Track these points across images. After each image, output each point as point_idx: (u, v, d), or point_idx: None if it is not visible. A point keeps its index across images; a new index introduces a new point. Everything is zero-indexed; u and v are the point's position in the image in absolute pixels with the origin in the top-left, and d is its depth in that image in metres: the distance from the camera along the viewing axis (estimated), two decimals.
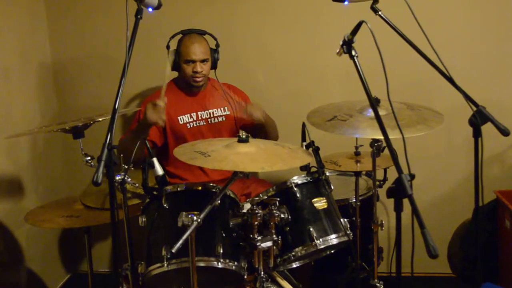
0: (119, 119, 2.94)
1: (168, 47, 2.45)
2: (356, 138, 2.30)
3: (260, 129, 2.46)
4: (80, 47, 2.91)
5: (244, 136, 1.77)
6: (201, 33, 2.48)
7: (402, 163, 1.35)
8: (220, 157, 1.69)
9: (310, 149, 1.98)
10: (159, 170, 1.86)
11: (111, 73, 2.86)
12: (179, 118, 2.49)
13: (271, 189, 1.97)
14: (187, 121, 2.50)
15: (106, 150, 1.45)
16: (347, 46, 1.53)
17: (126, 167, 1.78)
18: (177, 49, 2.45)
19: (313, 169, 2.00)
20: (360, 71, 1.50)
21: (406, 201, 1.32)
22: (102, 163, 1.43)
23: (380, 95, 1.71)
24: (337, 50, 1.56)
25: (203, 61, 2.43)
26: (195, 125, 2.51)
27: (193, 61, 2.42)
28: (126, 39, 1.55)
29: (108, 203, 1.80)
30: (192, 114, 2.51)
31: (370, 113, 1.92)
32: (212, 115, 2.54)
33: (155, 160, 1.85)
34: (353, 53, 1.52)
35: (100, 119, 1.91)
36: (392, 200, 1.37)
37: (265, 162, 1.67)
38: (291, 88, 2.86)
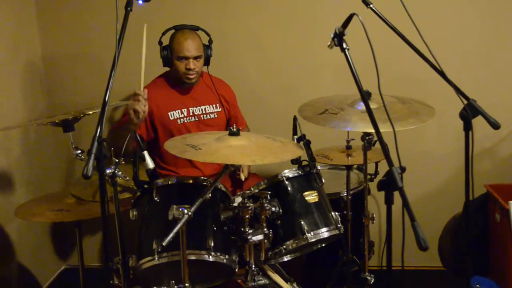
0: (109, 113, 2.92)
1: (160, 43, 2.44)
2: (348, 132, 2.30)
3: None
4: (70, 43, 2.88)
5: (235, 129, 1.76)
6: (194, 28, 2.47)
7: (394, 157, 1.36)
8: (211, 150, 1.69)
9: (302, 143, 1.98)
10: (150, 164, 1.85)
11: (102, 70, 2.82)
12: (169, 114, 2.47)
13: (262, 183, 1.97)
14: (178, 116, 2.48)
15: (96, 143, 1.44)
16: (338, 38, 1.52)
17: (117, 160, 1.77)
18: (170, 45, 2.44)
19: (305, 163, 2.00)
20: (351, 64, 1.50)
21: (397, 195, 1.32)
22: (92, 156, 1.43)
23: (372, 89, 1.71)
24: (328, 43, 1.55)
25: (196, 58, 2.42)
26: (186, 121, 2.50)
27: (186, 58, 2.40)
28: (116, 32, 1.54)
29: (98, 197, 1.79)
30: (183, 110, 2.50)
31: (362, 106, 1.92)
32: (204, 112, 2.54)
33: (145, 153, 1.84)
34: (344, 45, 1.51)
35: (90, 112, 1.91)
36: (383, 194, 1.37)
37: (256, 155, 1.67)
38: (282, 83, 2.86)
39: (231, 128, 1.76)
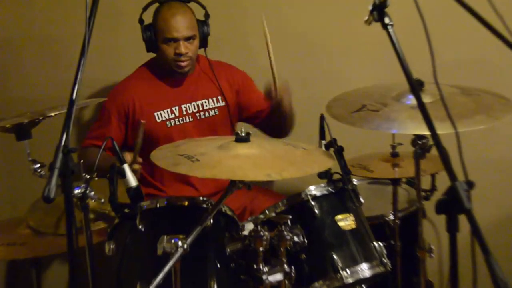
0: (77, 113, 2.94)
1: (141, 21, 2.47)
2: (393, 134, 2.30)
3: (275, 122, 2.50)
4: (20, 24, 2.91)
5: (243, 134, 1.77)
6: (185, 0, 2.50)
7: (457, 167, 1.35)
8: (212, 161, 1.70)
9: (332, 150, 1.99)
10: (132, 181, 1.86)
11: (68, 57, 2.84)
12: (155, 115, 2.51)
13: (280, 204, 1.98)
14: (167, 117, 2.52)
15: (61, 155, 1.45)
16: (379, 11, 1.52)
17: (88, 176, 1.79)
18: (153, 24, 2.47)
19: (336, 177, 2.00)
20: (397, 44, 1.49)
21: (463, 219, 1.32)
22: (56, 171, 1.43)
23: (424, 77, 1.71)
24: (366, 18, 1.56)
25: (188, 38, 2.45)
26: (177, 123, 2.53)
27: (175, 40, 2.43)
28: (85, 8, 1.55)
29: (63, 226, 1.80)
30: (174, 108, 2.53)
31: (411, 100, 1.92)
32: (201, 108, 2.56)
33: (126, 167, 1.86)
34: (387, 20, 1.51)
35: (53, 114, 1.92)
36: (443, 218, 1.37)
37: (272, 168, 1.67)
38: (306, 71, 2.87)
39: (238, 132, 1.77)
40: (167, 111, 2.51)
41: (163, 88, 2.54)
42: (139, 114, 2.48)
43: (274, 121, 2.51)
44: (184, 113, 2.53)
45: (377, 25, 1.53)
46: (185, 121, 2.54)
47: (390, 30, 1.50)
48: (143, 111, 2.49)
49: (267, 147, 1.80)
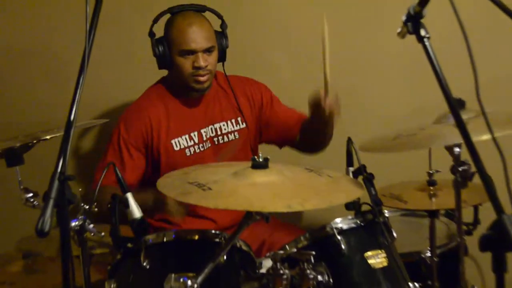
0: (76, 137, 2.97)
1: (151, 34, 2.48)
2: (429, 160, 2.29)
3: (312, 136, 2.51)
4: (16, 35, 2.95)
5: (261, 159, 1.76)
6: (200, 9, 2.52)
7: (503, 198, 1.34)
8: (226, 190, 1.69)
9: (360, 178, 1.99)
10: (136, 212, 1.86)
11: (64, 74, 2.89)
12: (173, 142, 2.52)
13: (302, 238, 1.96)
14: (186, 145, 2.53)
15: (56, 183, 1.45)
16: (414, 22, 1.52)
17: (87, 207, 1.79)
18: (166, 37, 2.49)
19: (365, 208, 2.00)
20: (434, 59, 1.49)
21: (511, 256, 1.30)
22: (51, 202, 1.43)
23: (465, 96, 1.71)
24: (398, 29, 1.56)
25: (207, 50, 2.46)
26: (197, 150, 2.54)
27: (193, 52, 2.44)
28: (85, 19, 1.55)
29: (59, 262, 1.79)
30: (193, 134, 2.54)
31: (451, 119, 1.91)
32: (219, 132, 2.57)
33: (130, 196, 1.86)
34: (423, 33, 1.51)
35: (48, 137, 1.93)
36: (488, 255, 1.35)
37: (293, 198, 1.66)
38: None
39: (255, 157, 1.76)
40: (185, 138, 2.53)
41: (179, 110, 2.55)
42: (156, 142, 2.49)
43: (312, 135, 2.50)
44: (204, 138, 2.55)
45: (411, 38, 1.54)
46: (204, 148, 2.55)
47: (427, 43, 1.50)
48: (160, 139, 2.50)
49: (288, 174, 1.79)
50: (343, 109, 2.73)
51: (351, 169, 2.02)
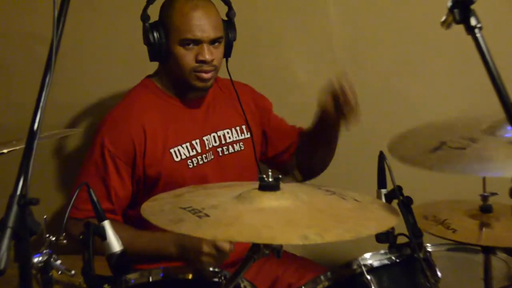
0: (43, 151, 3.00)
1: (145, 17, 2.49)
2: (484, 180, 2.29)
3: (313, 151, 2.56)
4: None
5: (270, 179, 1.76)
6: None
7: None
8: (227, 218, 1.69)
9: (395, 202, 1.98)
10: (115, 244, 1.86)
11: (25, 75, 2.95)
12: (172, 152, 2.52)
13: (323, 278, 1.96)
14: (187, 155, 2.54)
15: (15, 208, 1.44)
16: (462, 9, 1.52)
17: (53, 238, 1.79)
18: (163, 22, 2.51)
19: (402, 240, 1.99)
20: (487, 55, 1.49)
21: None
22: (8, 232, 1.42)
23: None
24: (443, 18, 1.56)
25: (214, 41, 2.48)
26: (200, 162, 2.55)
27: (198, 42, 2.46)
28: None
29: None
30: (194, 142, 2.55)
31: (508, 134, 1.90)
32: (223, 141, 2.61)
33: (107, 224, 1.86)
34: (473, 22, 1.51)
35: (5, 151, 1.94)
36: None
37: (310, 227, 1.66)
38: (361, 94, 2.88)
39: (264, 176, 1.76)
40: (187, 147, 2.54)
41: (177, 113, 2.57)
42: (152, 153, 2.49)
43: (312, 148, 2.55)
44: (207, 148, 2.57)
45: (457, 29, 1.54)
46: (207, 160, 2.57)
47: (478, 34, 1.50)
48: (156, 148, 2.50)
49: (304, 197, 1.79)
50: (376, 118, 2.77)
51: (383, 191, 2.02)
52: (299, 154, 2.67)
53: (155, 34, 2.47)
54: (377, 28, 2.92)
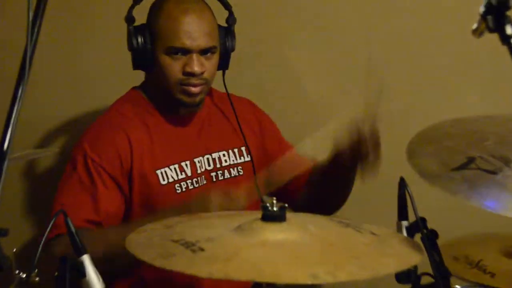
0: (12, 174, 2.96)
1: (129, 18, 2.51)
2: None
3: (327, 189, 2.54)
4: None
5: (275, 208, 1.76)
6: None
7: None
8: (225, 252, 1.69)
9: (418, 236, 1.98)
10: (96, 283, 1.84)
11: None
12: (159, 173, 2.52)
13: None
14: (175, 178, 2.54)
15: None
16: (495, 16, 1.54)
17: (24, 275, 1.77)
18: (149, 25, 2.52)
19: (426, 280, 1.98)
20: None
21: None
22: None
23: None
24: (474, 25, 1.57)
25: (205, 51, 2.48)
26: (190, 187, 2.56)
27: (186, 51, 2.46)
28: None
29: None
30: (184, 163, 2.56)
31: None
32: (218, 164, 2.62)
33: (86, 259, 1.84)
34: (509, 31, 1.52)
35: None
36: None
37: (321, 264, 1.66)
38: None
39: (266, 205, 1.76)
40: (175, 169, 2.54)
41: (165, 130, 2.58)
42: (138, 172, 2.50)
43: (324, 188, 2.54)
44: (199, 171, 2.57)
45: (490, 37, 1.55)
46: (199, 184, 2.57)
47: None
48: (142, 167, 2.50)
49: (313, 230, 1.79)
50: (395, 133, 2.77)
51: (404, 223, 2.01)
52: (308, 189, 2.67)
53: (139, 39, 2.47)
54: (405, 46, 2.98)
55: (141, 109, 2.58)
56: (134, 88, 2.64)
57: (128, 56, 2.52)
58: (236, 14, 2.62)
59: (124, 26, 2.50)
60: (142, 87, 2.63)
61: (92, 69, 2.99)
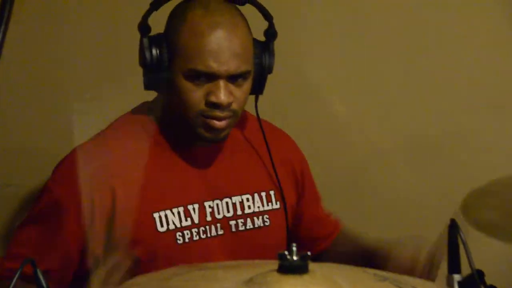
0: None
1: (144, 28, 2.27)
2: None
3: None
4: None
5: (295, 257, 1.56)
6: (236, 1, 2.30)
7: None
8: None
9: None
10: None
11: None
12: (156, 216, 2.32)
13: None
14: (178, 226, 2.34)
15: None
16: None
17: None
18: (168, 38, 2.28)
19: None
20: None
21: None
22: None
23: None
24: None
25: (236, 77, 2.25)
26: (196, 237, 2.37)
27: (212, 77, 2.23)
28: None
29: None
30: (191, 206, 2.36)
31: None
32: (240, 211, 2.42)
33: None
34: None
35: None
36: None
37: None
38: (414, 136, 2.93)
39: (285, 253, 1.55)
40: (178, 213, 2.34)
41: (171, 163, 2.37)
42: (121, 215, 2.30)
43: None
44: (209, 218, 2.37)
45: None
46: (209, 235, 2.37)
47: None
48: (129, 208, 2.29)
49: (343, 284, 1.62)
50: (442, 170, 2.69)
51: (456, 277, 1.83)
52: (334, 253, 2.60)
53: (156, 51, 2.24)
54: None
55: (145, 132, 2.38)
56: (145, 105, 2.43)
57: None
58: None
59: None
60: (154, 108, 2.42)
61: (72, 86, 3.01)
